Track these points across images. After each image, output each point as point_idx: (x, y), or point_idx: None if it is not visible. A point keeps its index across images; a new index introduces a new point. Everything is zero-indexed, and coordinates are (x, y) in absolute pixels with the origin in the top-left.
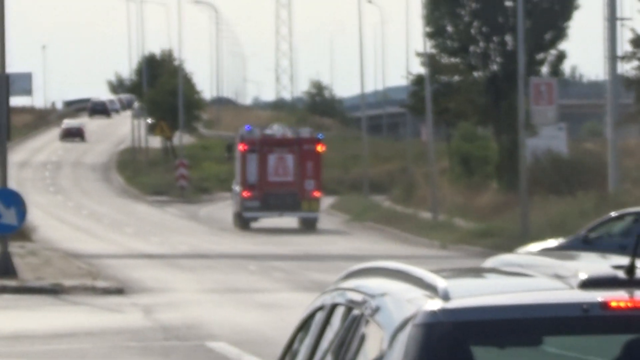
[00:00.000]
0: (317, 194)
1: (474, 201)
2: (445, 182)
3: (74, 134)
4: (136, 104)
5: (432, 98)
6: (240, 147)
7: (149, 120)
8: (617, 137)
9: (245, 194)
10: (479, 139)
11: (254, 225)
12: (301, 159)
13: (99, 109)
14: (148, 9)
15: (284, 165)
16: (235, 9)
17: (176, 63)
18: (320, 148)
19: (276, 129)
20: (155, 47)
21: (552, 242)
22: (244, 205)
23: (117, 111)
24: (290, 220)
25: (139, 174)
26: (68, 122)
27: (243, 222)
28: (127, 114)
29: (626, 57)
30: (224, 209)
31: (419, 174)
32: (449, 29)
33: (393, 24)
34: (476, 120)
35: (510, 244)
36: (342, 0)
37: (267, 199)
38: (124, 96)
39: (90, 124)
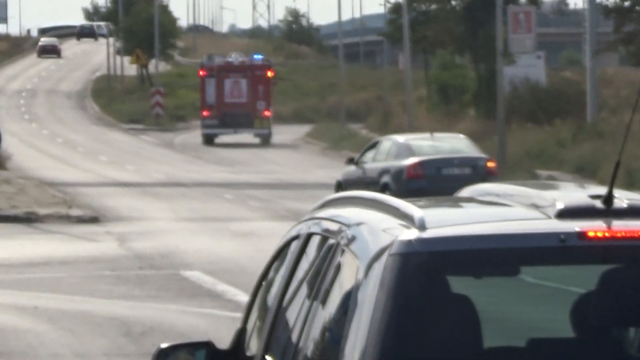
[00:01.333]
0: (267, 113)
1: (451, 129)
2: (423, 110)
3: (50, 51)
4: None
5: (410, 26)
6: (200, 72)
7: (118, 44)
8: (595, 66)
9: (205, 113)
10: (456, 68)
11: (217, 141)
12: (253, 83)
13: (86, 32)
14: None
15: (238, 88)
16: None
17: None
18: (270, 73)
19: (234, 57)
20: None
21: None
22: (203, 124)
23: (104, 36)
24: (245, 137)
25: (115, 101)
26: (44, 40)
27: (205, 139)
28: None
29: None
30: (199, 137)
31: (396, 103)
32: None
33: None
34: (454, 49)
35: None
36: None
37: (223, 117)
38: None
39: (67, 50)
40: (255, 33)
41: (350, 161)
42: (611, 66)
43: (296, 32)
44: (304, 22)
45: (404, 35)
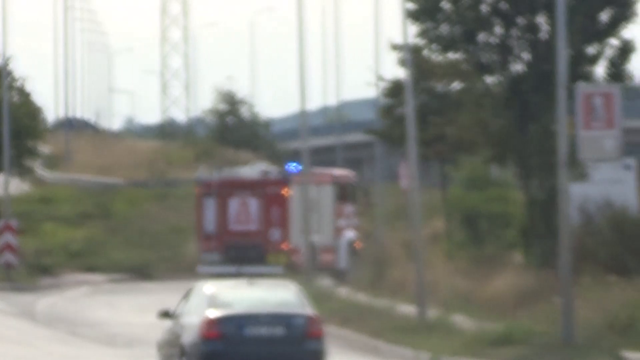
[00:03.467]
0: (285, 245)
1: (486, 287)
2: (439, 255)
3: None
4: None
5: (418, 118)
6: (197, 190)
7: None
8: None
9: (203, 245)
10: (493, 186)
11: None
12: (267, 204)
13: None
14: None
15: (246, 212)
16: None
17: None
18: (286, 191)
19: (258, 169)
20: None
21: None
22: (202, 259)
23: None
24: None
25: None
26: None
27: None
28: None
29: None
30: (77, 300)
31: (396, 243)
32: (445, 5)
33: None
34: (489, 155)
35: (544, 356)
36: None
37: (227, 250)
38: None
39: None
40: (166, 130)
41: (165, 315)
42: None
43: (233, 128)
44: (245, 112)
45: (407, 133)
